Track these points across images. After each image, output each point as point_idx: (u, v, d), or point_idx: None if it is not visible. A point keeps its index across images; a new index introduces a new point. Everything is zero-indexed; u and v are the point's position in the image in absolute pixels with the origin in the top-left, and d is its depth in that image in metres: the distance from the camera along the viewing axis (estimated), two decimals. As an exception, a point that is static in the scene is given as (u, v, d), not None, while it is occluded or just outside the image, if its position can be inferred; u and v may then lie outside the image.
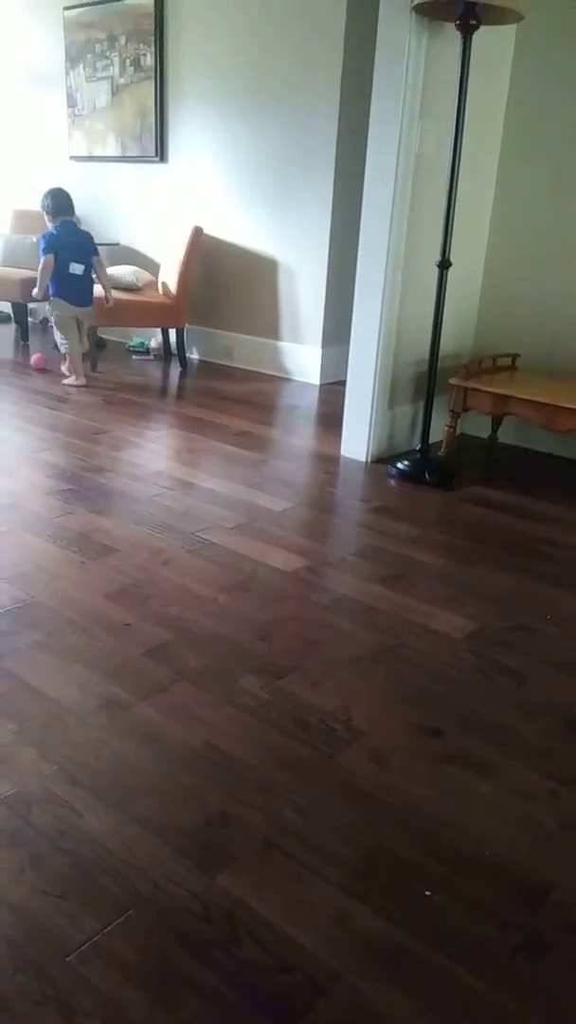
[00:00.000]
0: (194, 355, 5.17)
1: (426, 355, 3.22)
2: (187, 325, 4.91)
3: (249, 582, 2.25)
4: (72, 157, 5.52)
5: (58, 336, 4.36)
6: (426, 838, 1.38)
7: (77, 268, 4.24)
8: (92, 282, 4.32)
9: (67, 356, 4.33)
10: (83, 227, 4.67)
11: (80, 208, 5.54)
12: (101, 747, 1.54)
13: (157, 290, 4.84)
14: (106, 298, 4.39)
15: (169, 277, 4.73)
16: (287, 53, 4.28)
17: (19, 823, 1.34)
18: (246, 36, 4.43)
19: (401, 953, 1.16)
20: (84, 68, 5.26)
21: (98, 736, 1.57)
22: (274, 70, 4.36)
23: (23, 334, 5.41)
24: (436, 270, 3.00)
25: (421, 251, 3.18)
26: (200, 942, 1.15)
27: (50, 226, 4.28)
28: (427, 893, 1.26)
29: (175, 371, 4.86)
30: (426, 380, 3.21)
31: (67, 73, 5.37)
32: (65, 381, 4.34)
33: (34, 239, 5.39)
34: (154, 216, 5.17)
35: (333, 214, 4.35)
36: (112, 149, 5.27)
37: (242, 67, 4.49)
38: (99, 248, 4.42)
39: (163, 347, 5.19)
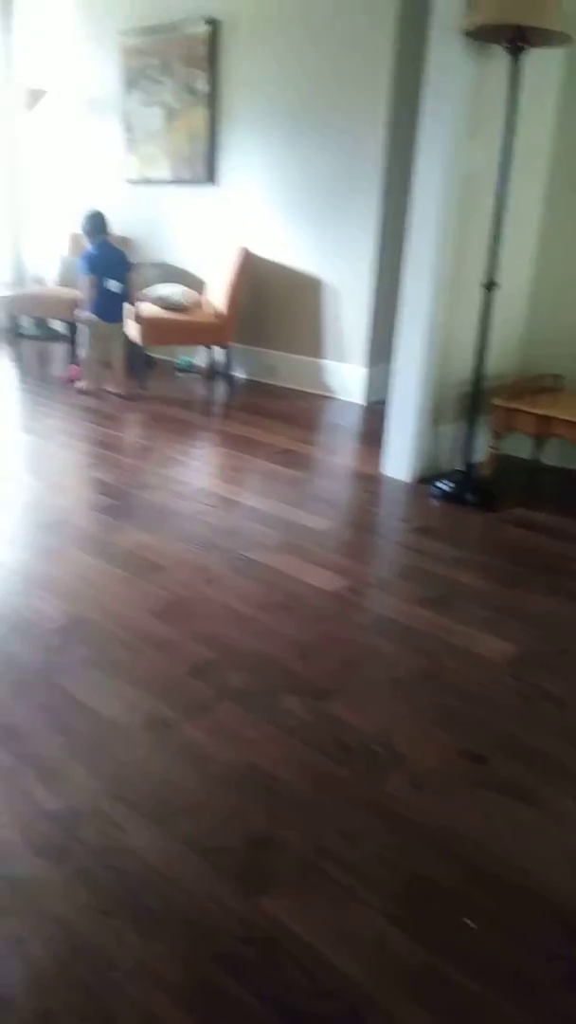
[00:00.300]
0: (239, 373, 5.22)
1: (470, 375, 3.20)
2: (232, 344, 4.96)
3: (291, 601, 2.27)
4: (127, 180, 5.63)
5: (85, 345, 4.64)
6: (467, 866, 1.37)
7: (114, 285, 4.45)
8: (125, 299, 4.51)
9: (83, 363, 4.63)
10: (121, 246, 4.79)
11: (132, 229, 5.65)
12: (146, 765, 1.56)
13: (204, 309, 4.90)
14: (136, 309, 4.62)
15: (216, 296, 4.79)
16: (335, 78, 4.32)
17: (67, 838, 1.37)
18: (295, 63, 4.48)
19: (442, 983, 1.15)
20: (139, 94, 5.37)
21: (144, 754, 1.60)
22: (322, 95, 4.40)
23: (76, 352, 5.51)
24: (482, 291, 2.99)
25: (467, 272, 3.17)
26: (241, 963, 1.16)
27: (89, 247, 4.52)
28: (468, 922, 1.25)
29: (220, 389, 4.91)
30: (469, 400, 3.19)
31: (123, 98, 5.48)
32: (78, 384, 4.61)
33: (87, 259, 5.50)
34: (203, 237, 5.25)
35: (379, 234, 4.36)
36: (164, 172, 5.36)
37: (291, 93, 4.55)
38: (149, 270, 4.52)
39: (209, 365, 5.24)
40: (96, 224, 4.50)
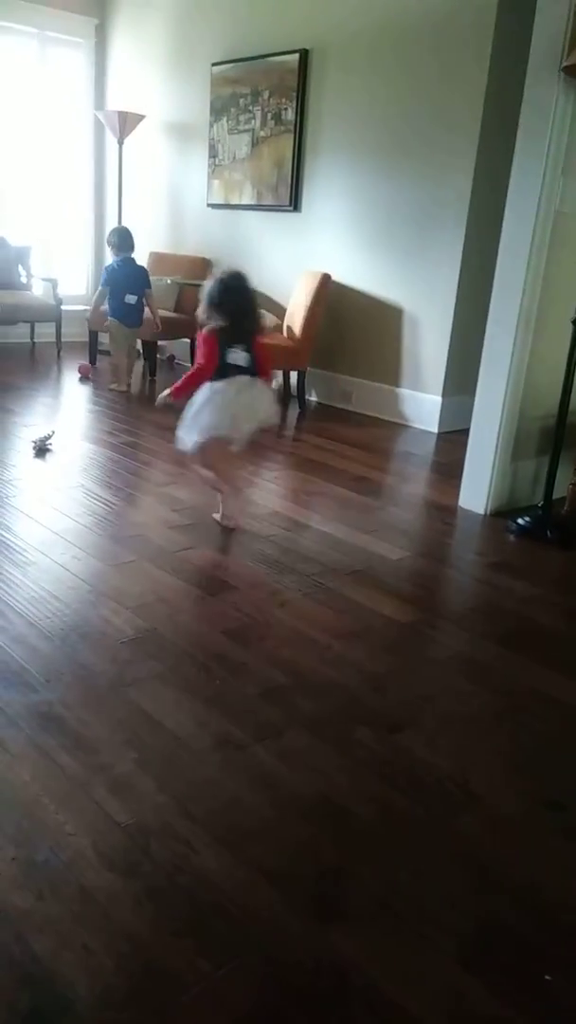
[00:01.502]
0: (312, 397, 5.25)
1: (554, 409, 3.16)
2: (308, 368, 5.00)
3: (364, 630, 2.25)
4: (210, 205, 5.77)
5: (111, 348, 5.16)
6: (544, 917, 1.32)
7: (131, 299, 5.02)
8: (143, 310, 5.08)
9: (110, 365, 5.18)
10: (217, 270, 4.88)
11: (212, 252, 5.78)
12: (216, 786, 1.56)
13: (282, 333, 4.96)
14: (155, 323, 5.16)
15: (295, 321, 4.84)
16: (424, 109, 4.36)
17: (138, 854, 1.37)
18: (384, 93, 4.54)
19: (518, 1039, 1.11)
20: (227, 121, 5.52)
21: (214, 774, 1.60)
22: (410, 125, 4.44)
23: (151, 369, 5.64)
24: (571, 326, 2.95)
25: (555, 306, 3.14)
26: (310, 998, 1.14)
27: (113, 261, 5.03)
28: (547, 977, 1.21)
29: (294, 412, 4.95)
30: (552, 434, 3.14)
31: (211, 126, 5.63)
32: (110, 386, 5.09)
33: (168, 281, 5.65)
34: (283, 262, 5.33)
35: (461, 265, 4.36)
36: (248, 198, 5.47)
37: (379, 122, 4.60)
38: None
39: (284, 389, 5.29)
40: (122, 240, 5.04)
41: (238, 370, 2.75)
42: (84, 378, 5.42)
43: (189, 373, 2.79)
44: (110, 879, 1.31)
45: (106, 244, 5.17)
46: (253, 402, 2.80)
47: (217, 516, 2.94)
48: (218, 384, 2.74)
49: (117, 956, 1.18)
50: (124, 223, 6.36)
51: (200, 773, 1.59)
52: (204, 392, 2.76)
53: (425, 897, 1.34)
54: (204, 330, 2.77)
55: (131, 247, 5.05)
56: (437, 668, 2.09)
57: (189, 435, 2.80)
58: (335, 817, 1.51)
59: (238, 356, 2.75)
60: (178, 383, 2.82)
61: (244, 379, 2.77)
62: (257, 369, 2.79)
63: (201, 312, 2.79)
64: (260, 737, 1.72)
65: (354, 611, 2.36)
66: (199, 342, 2.79)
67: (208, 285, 2.79)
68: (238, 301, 2.75)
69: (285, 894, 1.32)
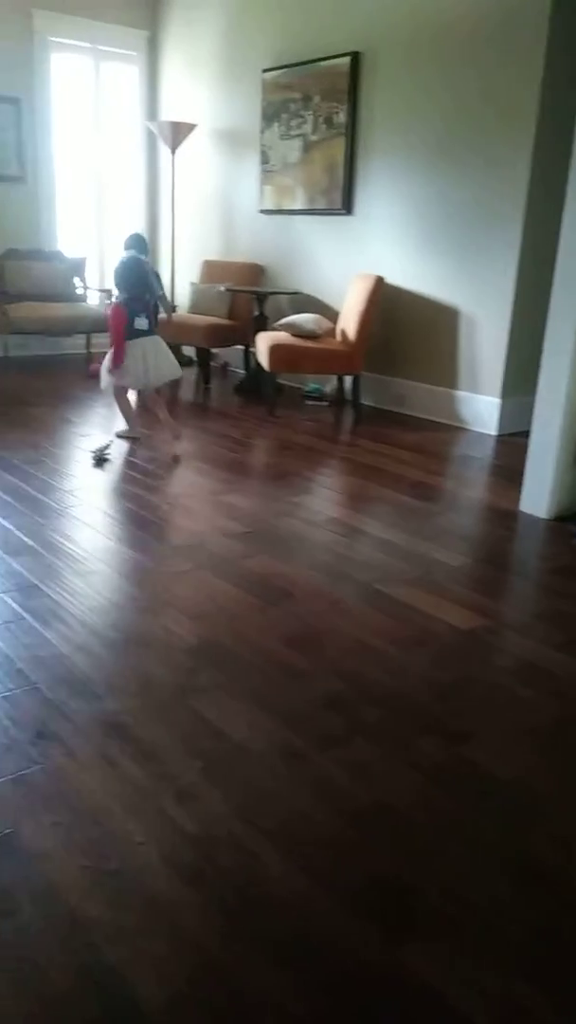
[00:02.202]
0: (367, 401, 5.24)
1: (618, 411, 3.09)
2: (362, 372, 5.00)
3: (425, 638, 2.24)
4: (262, 210, 5.81)
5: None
6: (620, 936, 1.30)
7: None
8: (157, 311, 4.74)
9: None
10: (269, 276, 4.92)
11: (265, 258, 5.82)
12: (280, 795, 1.58)
13: (335, 337, 4.96)
14: (168, 318, 5.07)
15: (348, 325, 4.84)
16: (478, 110, 4.32)
17: (206, 865, 1.39)
18: (438, 94, 4.52)
19: (595, 1060, 1.09)
20: (278, 126, 5.55)
21: (277, 783, 1.61)
22: (464, 126, 4.41)
23: (205, 378, 5.70)
24: None
25: (617, 304, 3.07)
26: (377, 1012, 1.14)
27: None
28: (623, 997, 1.19)
29: (349, 417, 4.95)
30: (616, 437, 3.08)
31: (262, 132, 5.68)
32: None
33: (222, 288, 5.70)
34: (336, 265, 5.33)
35: (518, 265, 4.30)
36: (300, 202, 5.50)
37: (432, 123, 4.58)
38: (275, 296, 4.64)
39: (337, 393, 5.30)
40: (134, 243, 4.56)
41: (142, 333, 3.80)
42: (94, 377, 5.42)
43: (115, 346, 3.77)
44: (180, 889, 1.34)
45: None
46: (158, 356, 3.89)
47: (125, 431, 4.13)
48: (129, 343, 3.76)
49: (188, 966, 1.20)
50: (176, 232, 6.46)
51: (265, 783, 1.61)
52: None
53: (493, 913, 1.33)
54: (113, 303, 3.89)
55: (145, 250, 4.47)
56: (501, 676, 2.07)
57: (106, 379, 3.90)
58: (400, 828, 1.51)
59: (142, 322, 3.79)
60: (111, 358, 3.80)
61: (148, 339, 3.83)
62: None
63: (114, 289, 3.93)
64: (324, 747, 1.73)
65: (415, 619, 2.35)
66: (111, 313, 3.83)
67: (116, 267, 3.86)
68: (135, 279, 3.81)
69: (349, 906, 1.32)
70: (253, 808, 1.53)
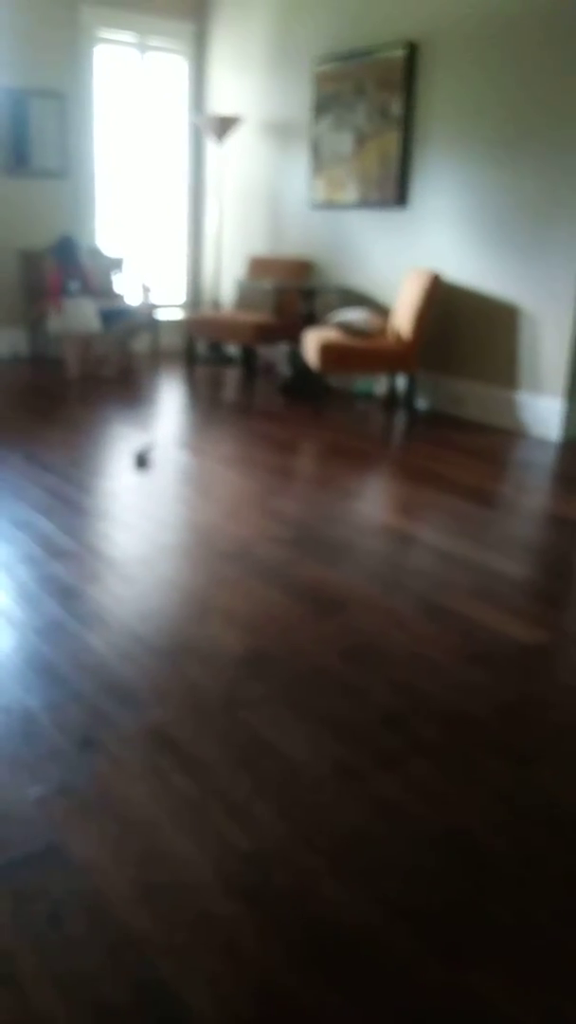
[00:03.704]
0: (421, 402, 5.21)
1: None
2: (417, 371, 4.97)
3: (487, 653, 2.21)
4: (311, 204, 5.83)
5: None
6: None
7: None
8: None
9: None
10: (318, 272, 4.93)
11: (315, 253, 5.83)
12: (337, 813, 1.56)
13: (388, 335, 4.95)
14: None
15: (402, 322, 4.82)
16: (540, 101, 4.28)
17: (260, 882, 1.39)
18: (497, 85, 4.49)
19: None
20: (330, 118, 5.57)
21: (333, 801, 1.60)
22: (527, 115, 4.37)
23: (250, 377, 5.72)
24: None
25: None
26: (448, 1047, 1.12)
27: None
28: None
29: (402, 419, 4.93)
30: None
31: (312, 124, 5.70)
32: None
33: (268, 285, 5.73)
34: (389, 261, 5.32)
35: (584, 259, 4.25)
36: (352, 196, 5.50)
37: (491, 115, 4.55)
38: (331, 295, 4.64)
39: (389, 393, 5.27)
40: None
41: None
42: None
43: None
44: (233, 906, 1.33)
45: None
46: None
47: None
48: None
49: (244, 985, 1.19)
50: (222, 227, 6.50)
51: (319, 801, 1.60)
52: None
53: (564, 938, 1.30)
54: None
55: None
56: (569, 695, 2.02)
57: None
58: (464, 852, 1.48)
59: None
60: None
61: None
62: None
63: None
64: (382, 765, 1.71)
65: (476, 632, 2.32)
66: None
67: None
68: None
69: (414, 929, 1.30)
70: (308, 826, 1.52)
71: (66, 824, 1.49)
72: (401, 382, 5.06)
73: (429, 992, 1.20)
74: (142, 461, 3.80)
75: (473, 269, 4.82)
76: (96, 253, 6.30)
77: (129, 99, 6.53)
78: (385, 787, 1.64)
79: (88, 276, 6.00)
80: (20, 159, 6.06)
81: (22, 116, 5.99)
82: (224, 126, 6.10)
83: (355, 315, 4.94)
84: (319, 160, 5.71)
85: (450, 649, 2.21)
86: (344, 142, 5.51)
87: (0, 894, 1.33)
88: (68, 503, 3.20)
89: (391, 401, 5.23)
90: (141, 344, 6.37)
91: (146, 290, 6.20)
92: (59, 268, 5.82)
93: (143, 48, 6.47)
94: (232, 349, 6.42)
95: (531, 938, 1.30)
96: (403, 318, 4.83)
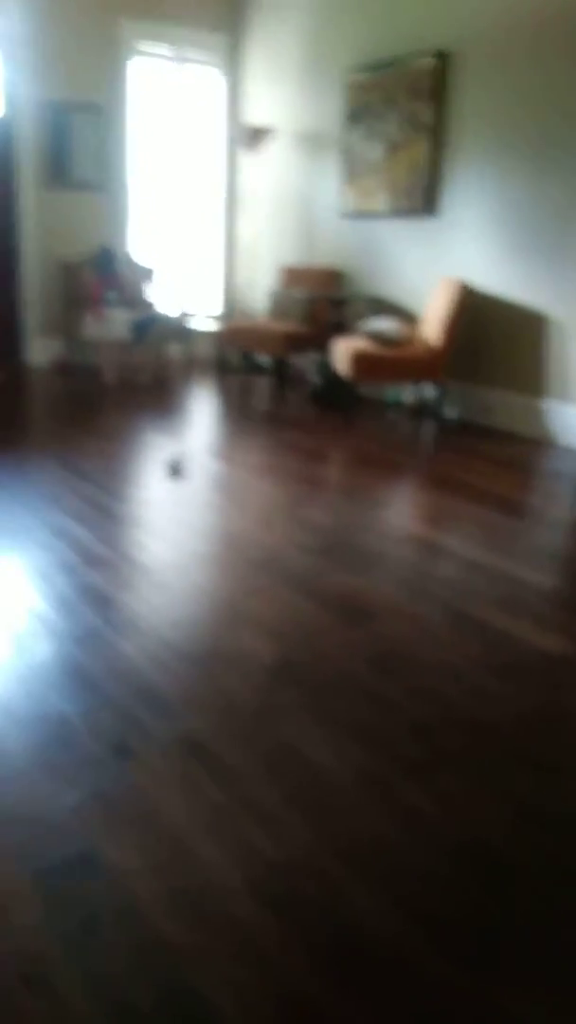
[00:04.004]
0: (450, 411, 5.21)
1: None
2: (445, 380, 4.97)
3: (515, 664, 2.22)
4: (342, 213, 5.86)
5: None
6: None
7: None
8: None
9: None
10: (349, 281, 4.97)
11: (344, 262, 5.86)
12: (364, 823, 1.59)
13: (417, 344, 4.96)
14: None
15: (431, 331, 4.83)
16: (571, 110, 4.27)
17: (289, 891, 1.41)
18: (528, 95, 4.49)
19: None
20: (361, 128, 5.60)
21: (361, 811, 1.62)
22: (558, 124, 4.36)
23: (280, 386, 5.76)
24: None
25: None
26: (471, 1056, 1.14)
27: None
28: None
29: (430, 428, 4.93)
30: None
31: (344, 134, 5.73)
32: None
33: (299, 295, 5.76)
34: (419, 270, 5.33)
35: (616, 268, 4.23)
36: (382, 205, 5.52)
37: (521, 124, 4.55)
38: (361, 304, 4.66)
39: (419, 402, 5.28)
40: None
41: None
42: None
43: None
44: (262, 914, 1.36)
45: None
46: None
47: None
48: None
49: (272, 994, 1.22)
50: (256, 237, 6.56)
51: (349, 810, 1.62)
52: None
53: (592, 958, 1.31)
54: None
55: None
56: (597, 708, 2.03)
57: None
58: (492, 864, 1.50)
59: None
60: None
61: None
62: None
63: None
64: (410, 776, 1.73)
65: (504, 643, 2.33)
66: None
67: None
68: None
69: (439, 939, 1.32)
70: (337, 836, 1.55)
71: (100, 830, 1.54)
72: (430, 391, 5.06)
73: (454, 1003, 1.22)
74: (175, 470, 3.85)
75: (502, 278, 4.81)
76: (131, 263, 6.39)
77: (165, 111, 6.61)
78: (410, 796, 1.66)
79: (124, 286, 6.09)
80: (60, 172, 6.16)
81: (63, 129, 6.10)
82: (257, 137, 6.16)
83: (385, 324, 4.96)
84: (350, 169, 5.74)
85: (476, 658, 2.22)
86: (375, 151, 5.53)
87: (35, 898, 1.38)
88: (103, 511, 3.26)
89: (420, 410, 5.24)
90: (175, 353, 6.44)
91: (180, 300, 6.28)
92: (99, 278, 5.92)
93: (179, 60, 6.55)
94: (264, 358, 6.46)
95: (558, 951, 1.32)
96: (432, 327, 4.83)
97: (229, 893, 1.40)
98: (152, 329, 5.94)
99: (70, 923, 1.33)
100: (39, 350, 6.33)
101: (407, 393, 5.41)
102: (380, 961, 1.28)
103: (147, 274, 6.44)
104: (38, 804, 1.60)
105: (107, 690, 2.00)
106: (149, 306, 6.31)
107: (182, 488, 3.65)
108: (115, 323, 5.70)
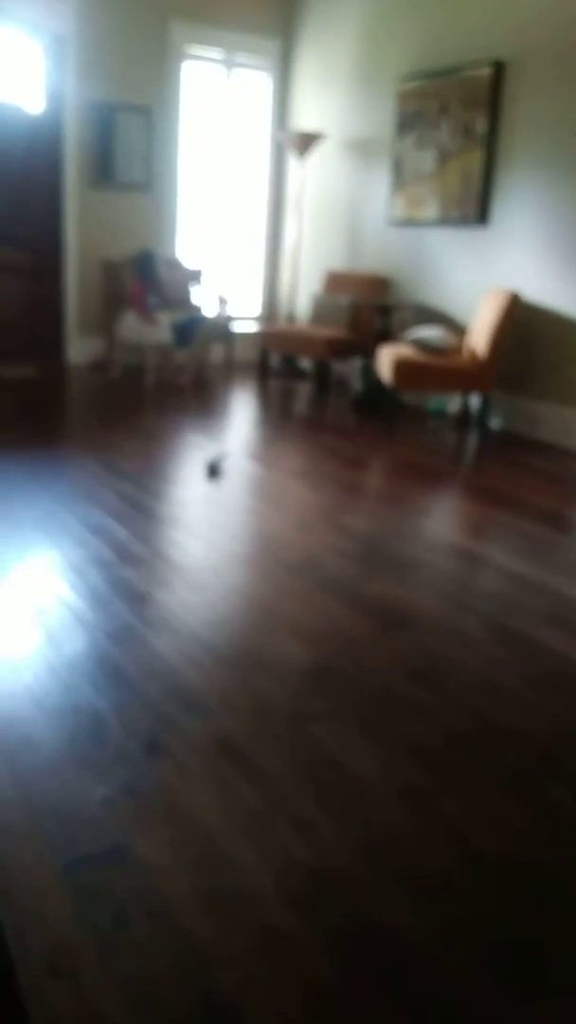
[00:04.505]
0: (496, 422, 5.15)
1: None
2: (492, 390, 4.92)
3: (559, 680, 2.17)
4: (391, 222, 5.84)
5: None
6: None
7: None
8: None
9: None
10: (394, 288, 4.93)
11: (392, 269, 5.83)
12: (400, 833, 1.55)
13: (464, 353, 4.91)
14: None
15: (479, 341, 4.79)
16: None
17: (321, 897, 1.38)
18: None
19: None
20: (413, 136, 5.58)
21: (397, 821, 1.58)
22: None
23: (322, 391, 5.75)
24: None
25: None
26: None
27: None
28: None
29: (475, 438, 4.88)
30: None
31: (395, 142, 5.72)
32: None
33: (344, 300, 5.75)
34: (468, 279, 5.29)
35: None
36: (432, 213, 5.49)
37: (580, 129, 4.50)
38: (406, 311, 4.62)
39: (463, 412, 5.23)
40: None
41: None
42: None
43: None
44: (293, 919, 1.33)
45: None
46: None
47: None
48: None
49: (301, 999, 1.19)
50: (301, 242, 6.57)
51: (384, 819, 1.59)
52: None
53: None
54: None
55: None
56: None
57: None
58: (532, 880, 1.45)
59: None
60: None
61: None
62: None
63: None
64: (446, 786, 1.69)
65: (546, 657, 2.28)
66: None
67: None
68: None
69: (481, 960, 1.28)
70: (372, 844, 1.51)
71: (131, 826, 1.52)
72: (475, 401, 5.01)
73: (491, 1020, 1.18)
74: (214, 471, 3.85)
75: (553, 289, 4.76)
76: (175, 264, 6.42)
77: (213, 114, 6.66)
78: (446, 805, 1.63)
79: (164, 289, 6.12)
80: (106, 172, 6.22)
81: (109, 130, 6.16)
82: (307, 142, 6.17)
83: (430, 332, 4.92)
84: (400, 177, 5.72)
85: (517, 672, 2.18)
86: (426, 160, 5.51)
87: (66, 891, 1.36)
88: (141, 509, 3.26)
89: (464, 420, 5.19)
90: (216, 355, 6.46)
91: (223, 302, 6.30)
92: (140, 280, 5.96)
93: (229, 65, 6.59)
94: (305, 363, 6.46)
95: (598, 975, 1.27)
96: (479, 337, 4.79)
97: (262, 897, 1.37)
98: (196, 331, 5.96)
99: (101, 916, 1.31)
100: (79, 349, 6.39)
101: (452, 403, 5.36)
102: (415, 974, 1.25)
103: (193, 276, 6.47)
104: (69, 797, 1.59)
105: (140, 686, 1.99)
106: (194, 308, 6.34)
107: (220, 489, 3.64)
108: (158, 326, 5.73)
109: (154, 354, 5.77)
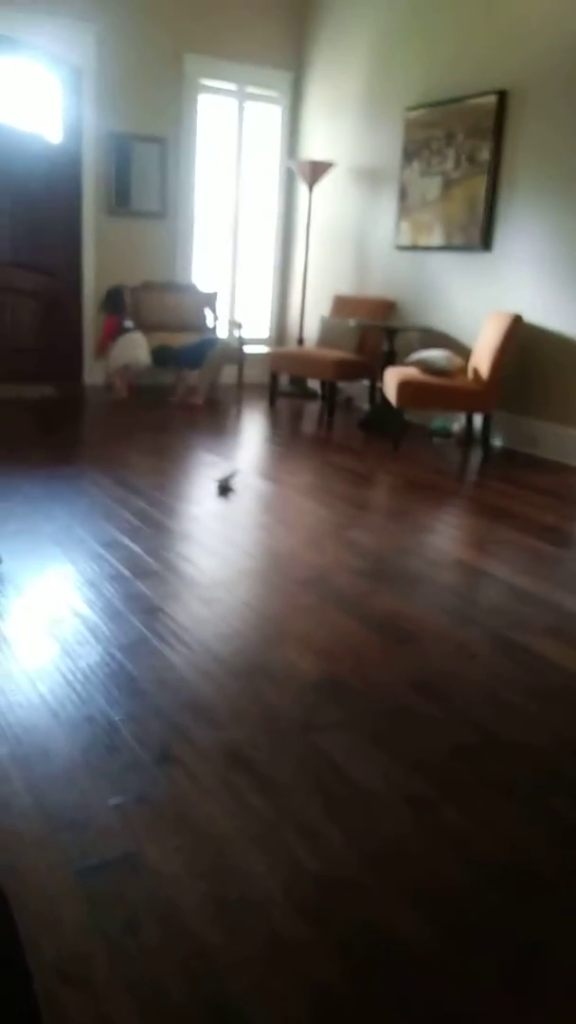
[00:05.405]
0: (498, 441, 5.15)
1: None
2: (494, 411, 4.92)
3: (561, 692, 2.16)
4: (397, 247, 5.87)
5: None
6: None
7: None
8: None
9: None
10: (400, 312, 4.96)
11: (398, 294, 5.86)
12: (405, 842, 1.55)
13: (467, 374, 4.92)
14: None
15: (481, 362, 4.80)
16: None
17: (328, 905, 1.38)
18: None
19: None
20: (419, 164, 5.62)
21: (402, 830, 1.58)
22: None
23: (330, 411, 5.76)
24: None
25: None
26: None
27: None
28: None
29: (477, 457, 4.88)
30: None
31: (402, 169, 5.76)
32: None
33: (351, 323, 5.77)
34: (472, 303, 5.31)
35: None
36: (437, 239, 5.52)
37: (580, 157, 4.53)
38: (405, 331, 4.64)
39: (466, 431, 5.24)
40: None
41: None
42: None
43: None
44: (301, 927, 1.33)
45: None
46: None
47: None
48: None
49: (309, 1008, 1.18)
50: (309, 266, 6.61)
51: (389, 829, 1.58)
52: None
53: None
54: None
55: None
56: None
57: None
58: (533, 889, 1.44)
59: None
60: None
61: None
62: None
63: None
64: (450, 797, 1.69)
65: (549, 670, 2.27)
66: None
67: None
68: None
69: (482, 969, 1.27)
70: (378, 854, 1.51)
71: (143, 834, 1.52)
72: (478, 420, 5.02)
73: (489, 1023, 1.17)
74: (225, 489, 3.86)
75: (554, 312, 4.77)
76: (191, 289, 6.47)
77: (226, 144, 6.72)
78: (450, 815, 1.62)
79: (132, 314, 6.17)
80: (122, 200, 6.29)
81: (126, 159, 6.23)
82: (317, 171, 6.22)
83: (434, 354, 4.94)
84: (406, 204, 5.76)
85: (522, 685, 2.17)
86: (432, 187, 5.54)
87: (78, 897, 1.36)
88: (154, 525, 3.27)
89: (467, 439, 5.19)
90: (228, 376, 6.49)
91: (235, 325, 6.33)
92: (114, 314, 6.06)
93: (242, 96, 6.66)
94: (314, 384, 6.48)
95: (600, 985, 1.26)
96: (482, 358, 4.80)
97: (271, 905, 1.37)
98: (209, 352, 5.99)
99: (112, 923, 1.31)
100: (96, 370, 6.43)
101: (456, 422, 5.37)
102: (425, 983, 1.24)
103: (208, 299, 6.52)
104: (82, 805, 1.59)
105: (152, 697, 1.99)
106: (208, 330, 6.38)
107: (231, 506, 3.66)
108: (132, 347, 5.89)
109: (130, 376, 5.95)
